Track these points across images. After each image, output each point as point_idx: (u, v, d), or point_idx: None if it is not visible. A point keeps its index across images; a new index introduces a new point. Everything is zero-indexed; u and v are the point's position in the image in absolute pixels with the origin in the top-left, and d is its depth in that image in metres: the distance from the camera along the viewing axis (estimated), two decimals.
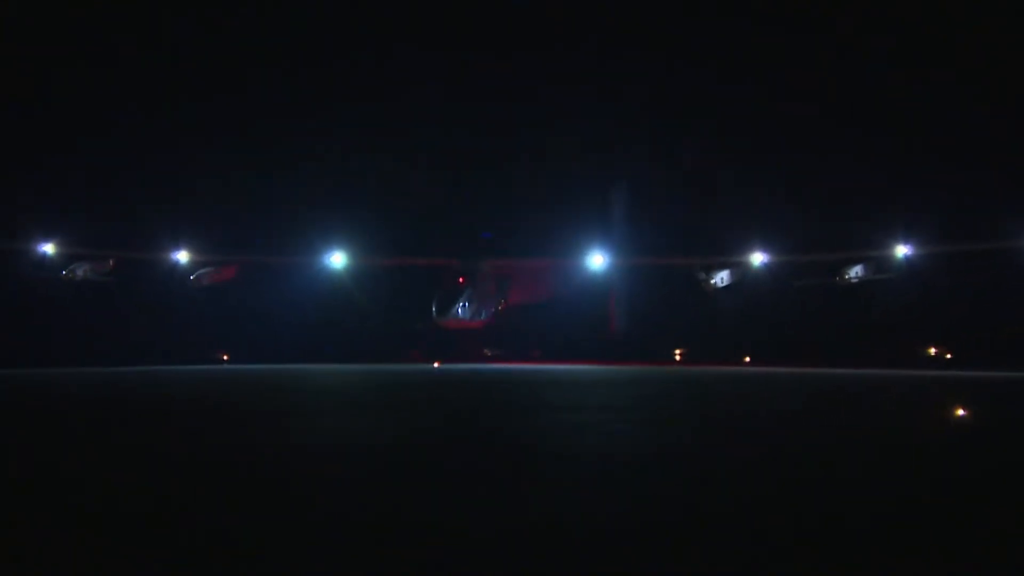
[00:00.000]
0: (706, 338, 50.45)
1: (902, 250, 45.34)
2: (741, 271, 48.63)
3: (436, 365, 44.86)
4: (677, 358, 51.76)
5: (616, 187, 53.03)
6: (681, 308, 50.16)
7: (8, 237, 44.91)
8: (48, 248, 45.69)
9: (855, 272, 47.52)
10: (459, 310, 51.58)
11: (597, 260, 50.58)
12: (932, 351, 47.38)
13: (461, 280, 52.18)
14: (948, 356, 46.52)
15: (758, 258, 47.94)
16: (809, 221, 49.79)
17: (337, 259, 50.73)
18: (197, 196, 52.17)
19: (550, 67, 55.57)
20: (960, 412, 15.18)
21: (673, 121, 53.58)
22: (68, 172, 49.95)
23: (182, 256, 48.62)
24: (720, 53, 53.27)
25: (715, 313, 48.99)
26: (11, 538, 5.06)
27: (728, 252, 48.74)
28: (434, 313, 51.30)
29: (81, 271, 46.59)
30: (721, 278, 48.76)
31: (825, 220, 50.03)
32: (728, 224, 49.69)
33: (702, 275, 49.02)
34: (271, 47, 54.13)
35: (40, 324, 45.12)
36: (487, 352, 53.95)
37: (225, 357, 50.17)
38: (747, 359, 48.42)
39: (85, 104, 50.65)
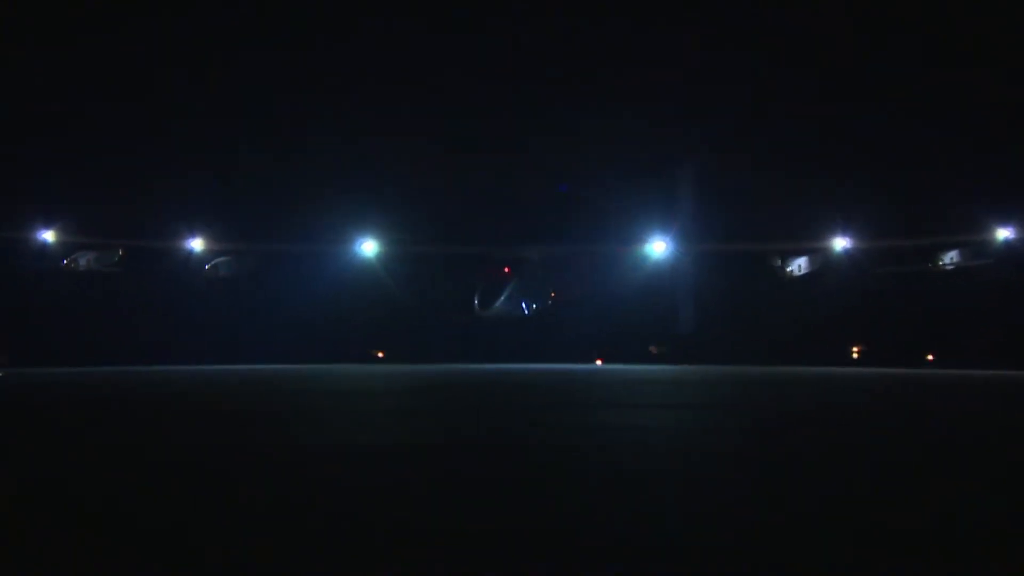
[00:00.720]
0: (884, 335, 49.19)
1: None
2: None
3: (599, 363, 48.33)
4: (855, 356, 50.93)
5: (686, 169, 52.43)
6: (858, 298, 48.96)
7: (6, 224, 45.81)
8: (49, 236, 46.65)
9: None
10: (508, 301, 52.28)
11: (659, 247, 50.33)
12: None
13: (507, 270, 52.44)
14: None
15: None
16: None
17: (368, 247, 50.65)
18: (215, 181, 52.32)
19: (608, 44, 55.31)
20: None
21: (746, 98, 53.13)
22: (70, 154, 50.68)
23: (196, 244, 49.04)
24: (798, 26, 52.66)
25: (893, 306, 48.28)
26: (11, 538, 5.27)
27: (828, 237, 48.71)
28: (477, 305, 51.77)
29: (85, 261, 47.44)
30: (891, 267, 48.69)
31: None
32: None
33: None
34: (299, 20, 54.33)
35: (40, 319, 45.99)
36: (652, 350, 54.35)
37: (380, 355, 52.20)
38: (930, 357, 47.75)
39: (88, 79, 51.41)
